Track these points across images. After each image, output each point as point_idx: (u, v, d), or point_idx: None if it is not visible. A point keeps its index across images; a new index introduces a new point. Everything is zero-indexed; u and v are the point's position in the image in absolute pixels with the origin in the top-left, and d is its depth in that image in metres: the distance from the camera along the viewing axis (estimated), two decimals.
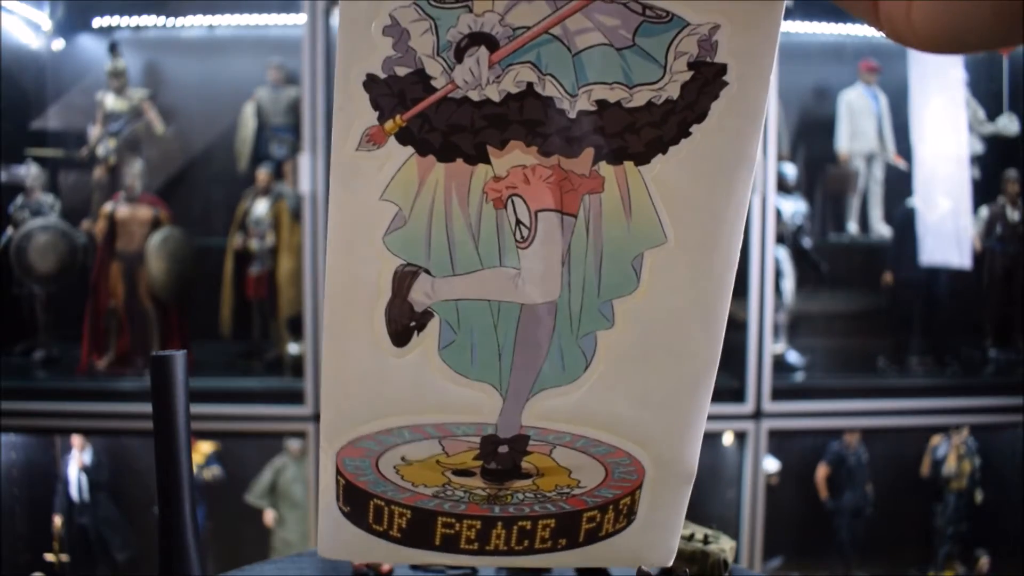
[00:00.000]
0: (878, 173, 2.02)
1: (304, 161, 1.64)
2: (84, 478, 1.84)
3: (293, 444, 1.82)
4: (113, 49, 1.88)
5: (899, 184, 1.99)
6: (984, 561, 1.93)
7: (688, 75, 0.32)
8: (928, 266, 1.86)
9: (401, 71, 0.32)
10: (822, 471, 1.93)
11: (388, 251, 0.34)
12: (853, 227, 2.03)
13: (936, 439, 1.94)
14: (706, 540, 0.55)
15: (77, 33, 2.03)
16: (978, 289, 1.95)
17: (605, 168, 0.34)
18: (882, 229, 2.02)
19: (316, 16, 1.63)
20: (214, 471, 1.87)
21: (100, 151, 1.89)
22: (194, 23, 2.01)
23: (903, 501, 2.01)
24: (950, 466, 1.91)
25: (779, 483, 1.86)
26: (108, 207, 1.82)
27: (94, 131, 1.89)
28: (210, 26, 2.02)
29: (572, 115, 0.33)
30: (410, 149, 0.33)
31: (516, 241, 0.34)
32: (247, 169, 1.91)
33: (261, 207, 1.83)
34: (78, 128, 1.95)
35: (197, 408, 0.49)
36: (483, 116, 0.33)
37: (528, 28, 0.32)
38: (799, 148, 2.04)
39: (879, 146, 2.00)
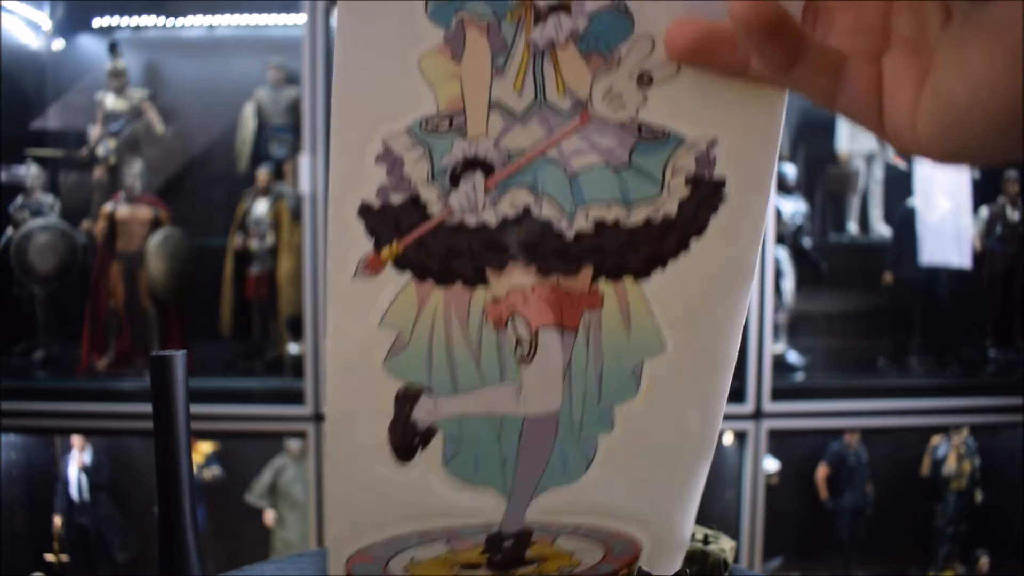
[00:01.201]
0: (878, 173, 2.02)
1: (304, 161, 1.64)
2: (84, 478, 1.84)
3: (293, 444, 1.82)
4: (113, 49, 1.88)
5: (899, 184, 1.99)
6: (984, 561, 1.93)
7: (687, 191, 0.33)
8: (928, 266, 1.86)
9: (396, 198, 0.32)
10: (822, 471, 1.93)
11: (389, 375, 0.34)
12: (853, 227, 2.03)
13: (936, 439, 1.94)
14: (706, 540, 0.55)
15: (77, 33, 2.03)
16: (978, 289, 1.95)
17: (604, 284, 0.34)
18: (882, 229, 2.02)
19: (316, 16, 1.63)
20: (214, 471, 1.87)
21: (100, 151, 1.89)
22: (194, 23, 2.01)
23: (903, 501, 2.01)
24: (950, 466, 1.91)
25: (779, 483, 1.86)
26: (108, 207, 1.82)
27: (94, 131, 1.89)
28: (210, 26, 2.01)
29: (570, 235, 0.33)
30: (408, 275, 0.33)
31: (517, 358, 0.35)
32: (247, 169, 1.91)
33: (261, 207, 1.83)
34: (78, 128, 1.95)
35: (197, 408, 0.49)
36: (481, 240, 0.33)
37: (524, 152, 0.32)
38: (799, 148, 2.04)
39: (879, 146, 2.00)
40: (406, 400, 0.35)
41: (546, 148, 0.32)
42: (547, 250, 0.33)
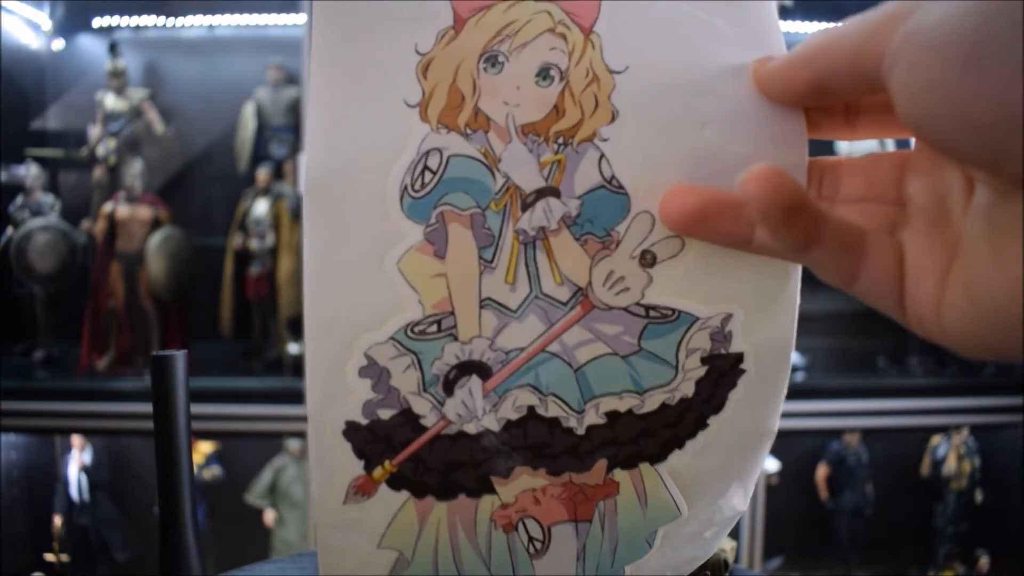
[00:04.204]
0: None
1: (304, 161, 1.64)
2: (84, 478, 1.84)
3: (293, 444, 1.82)
4: (113, 49, 1.88)
5: None
6: (984, 561, 1.93)
7: (703, 371, 0.30)
8: None
9: (384, 414, 0.30)
10: (822, 471, 1.93)
11: None
12: None
13: (936, 439, 1.95)
14: None
15: (77, 33, 2.03)
16: None
17: (619, 474, 0.32)
18: None
19: None
20: (214, 471, 1.87)
21: (100, 151, 1.89)
22: (194, 23, 2.01)
23: (903, 501, 2.01)
24: (950, 466, 1.91)
25: (779, 483, 1.86)
26: (108, 207, 1.82)
27: (94, 131, 1.89)
28: (210, 26, 2.02)
29: (580, 431, 0.31)
30: (405, 493, 0.31)
31: (529, 554, 0.33)
32: (247, 169, 1.91)
33: (261, 207, 1.83)
34: (78, 128, 1.95)
35: (197, 408, 0.49)
36: (483, 448, 0.30)
37: (522, 349, 0.30)
38: None
39: (880, 146, 2.00)
40: None
41: (546, 344, 0.30)
42: (557, 450, 0.31)
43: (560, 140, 0.29)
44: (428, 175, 0.29)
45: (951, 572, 1.94)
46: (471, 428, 0.30)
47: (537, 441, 0.31)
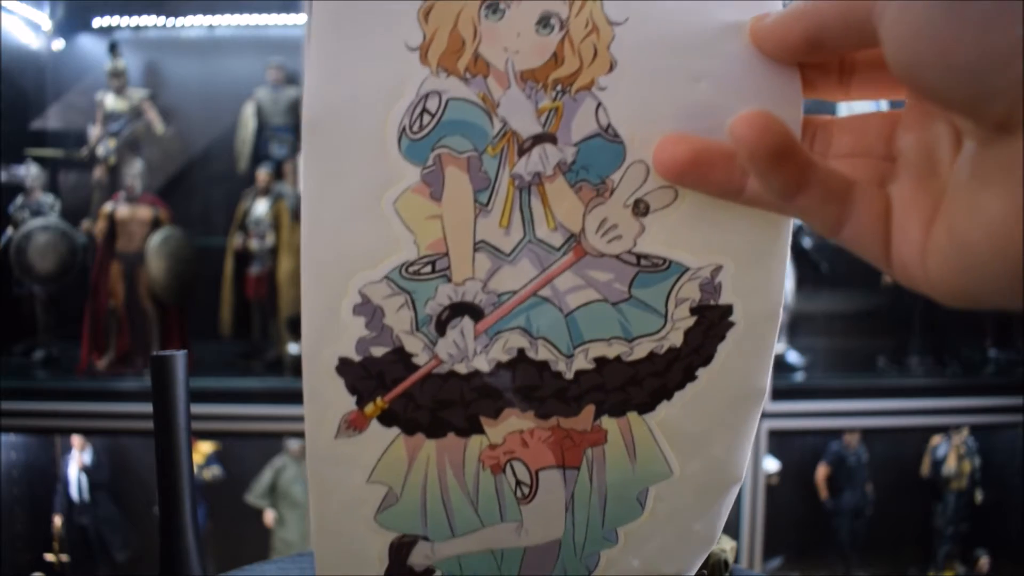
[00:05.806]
0: None
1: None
2: (84, 478, 1.84)
3: (293, 444, 1.82)
4: (113, 49, 1.88)
5: None
6: (984, 561, 1.93)
7: (691, 321, 0.31)
8: None
9: (377, 351, 0.30)
10: (822, 471, 1.93)
11: (381, 528, 0.33)
12: None
13: (936, 439, 1.94)
14: None
15: (77, 33, 2.03)
16: None
17: (607, 421, 0.32)
18: None
19: None
20: (214, 471, 1.87)
21: (100, 151, 1.89)
22: (194, 23, 2.01)
23: (903, 501, 2.01)
24: (950, 466, 1.91)
25: (779, 483, 1.86)
26: (108, 207, 1.82)
27: (94, 131, 1.89)
28: (210, 26, 2.01)
29: (569, 376, 0.31)
30: (396, 430, 0.31)
31: (517, 498, 0.33)
32: (247, 169, 1.91)
33: (261, 207, 1.83)
34: (78, 128, 1.95)
35: (197, 408, 0.49)
36: (473, 388, 0.31)
37: (514, 293, 0.30)
38: None
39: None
40: (401, 548, 0.33)
41: (538, 288, 0.30)
42: (545, 393, 0.31)
43: (558, 87, 0.29)
44: (427, 117, 0.29)
45: (951, 572, 1.94)
46: (462, 368, 0.31)
47: (526, 383, 0.31)
